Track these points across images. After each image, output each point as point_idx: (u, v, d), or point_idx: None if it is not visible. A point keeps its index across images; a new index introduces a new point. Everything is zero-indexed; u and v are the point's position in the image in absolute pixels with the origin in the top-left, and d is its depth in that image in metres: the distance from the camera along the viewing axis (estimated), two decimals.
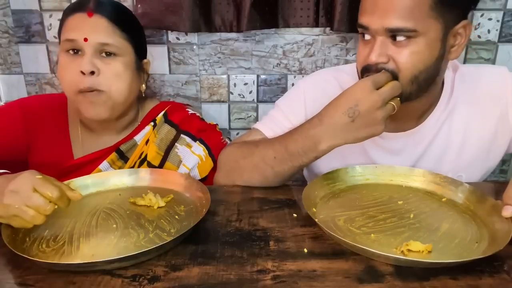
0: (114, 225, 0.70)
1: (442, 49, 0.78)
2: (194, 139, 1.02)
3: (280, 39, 1.24)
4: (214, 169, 0.98)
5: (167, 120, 1.03)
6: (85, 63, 0.86)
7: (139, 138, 1.00)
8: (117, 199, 0.80)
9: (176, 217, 0.73)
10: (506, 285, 0.56)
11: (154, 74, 1.27)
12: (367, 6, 0.78)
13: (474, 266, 0.59)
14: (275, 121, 0.96)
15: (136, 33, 0.96)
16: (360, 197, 0.79)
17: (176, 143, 1.01)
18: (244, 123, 1.32)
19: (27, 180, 0.63)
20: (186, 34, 1.23)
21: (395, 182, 0.85)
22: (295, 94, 0.98)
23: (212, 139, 1.03)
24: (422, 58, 0.76)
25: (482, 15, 1.22)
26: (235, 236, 0.68)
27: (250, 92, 1.29)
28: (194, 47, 1.25)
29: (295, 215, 0.75)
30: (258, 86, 1.29)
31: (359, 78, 0.82)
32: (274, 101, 1.03)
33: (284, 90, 1.28)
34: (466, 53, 1.26)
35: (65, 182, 0.74)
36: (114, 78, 0.90)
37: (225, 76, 1.28)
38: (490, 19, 1.22)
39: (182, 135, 1.02)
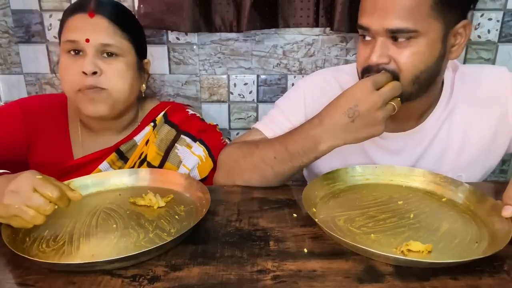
0: (114, 225, 0.70)
1: (442, 49, 0.78)
2: (194, 139, 1.02)
3: (280, 39, 1.24)
4: (214, 170, 0.98)
5: (167, 120, 1.03)
6: (87, 64, 0.86)
7: (139, 138, 1.00)
8: (117, 199, 0.80)
9: (176, 217, 0.73)
10: (506, 285, 0.56)
11: (154, 74, 1.27)
12: (367, 7, 0.78)
13: (474, 266, 0.59)
14: (275, 121, 0.96)
15: (137, 33, 0.96)
16: (360, 197, 0.79)
17: (176, 144, 1.01)
18: (244, 123, 1.32)
19: (27, 180, 0.63)
20: (186, 34, 1.23)
21: (395, 182, 0.85)
22: (295, 94, 0.98)
23: (212, 139, 1.03)
24: (423, 58, 0.76)
25: (482, 15, 1.22)
26: (235, 236, 0.68)
27: (250, 92, 1.29)
28: (194, 47, 1.25)
29: (295, 215, 0.75)
30: (258, 86, 1.29)
31: (359, 79, 0.82)
32: (274, 101, 1.03)
33: (284, 90, 1.28)
34: (466, 53, 1.26)
35: (65, 182, 0.74)
36: (116, 77, 0.90)
37: (225, 76, 1.28)
38: (490, 19, 1.22)
39: (182, 136, 1.02)
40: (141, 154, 1.00)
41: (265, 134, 0.95)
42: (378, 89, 0.74)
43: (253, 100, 1.30)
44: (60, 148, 0.99)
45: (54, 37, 1.24)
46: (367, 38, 0.80)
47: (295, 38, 1.24)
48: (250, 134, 0.98)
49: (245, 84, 1.28)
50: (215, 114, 1.31)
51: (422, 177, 0.84)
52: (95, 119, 0.96)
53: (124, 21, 0.92)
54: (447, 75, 0.89)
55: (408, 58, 0.76)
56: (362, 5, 0.80)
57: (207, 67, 1.27)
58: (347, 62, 1.25)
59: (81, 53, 0.89)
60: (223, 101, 1.30)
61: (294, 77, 1.27)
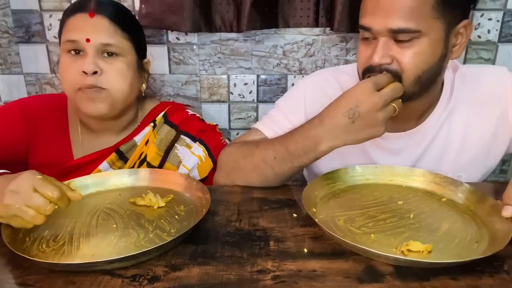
0: (114, 225, 0.70)
1: (444, 49, 0.78)
2: (194, 139, 1.02)
3: (280, 39, 1.24)
4: (213, 170, 0.98)
5: (167, 120, 1.03)
6: (87, 64, 0.86)
7: (138, 138, 1.00)
8: (117, 199, 0.80)
9: (176, 217, 0.73)
10: (506, 285, 0.56)
11: (154, 74, 1.27)
12: (369, 7, 0.77)
13: (474, 266, 0.59)
14: (275, 121, 0.96)
15: (137, 33, 0.96)
16: (360, 197, 0.79)
17: (176, 144, 1.01)
18: (244, 123, 1.32)
19: (28, 180, 0.63)
20: (186, 34, 1.23)
21: (395, 182, 0.85)
22: (295, 94, 0.98)
23: (212, 139, 1.03)
24: (426, 58, 0.76)
25: (482, 15, 1.22)
26: (235, 236, 0.68)
27: (250, 92, 1.29)
28: (194, 47, 1.25)
29: (295, 215, 0.75)
30: (258, 86, 1.29)
31: (360, 79, 0.82)
32: (274, 101, 1.03)
33: (284, 90, 1.28)
34: (466, 53, 1.26)
35: (65, 182, 0.74)
36: (117, 77, 0.90)
37: (225, 76, 1.28)
38: (490, 19, 1.22)
39: (182, 136, 1.02)
40: (141, 154, 1.00)
41: (265, 134, 0.95)
42: (379, 90, 0.74)
43: (253, 100, 1.30)
44: (60, 148, 0.99)
45: (54, 37, 1.24)
46: (369, 38, 0.79)
47: (295, 38, 1.24)
48: (250, 134, 0.98)
49: (245, 84, 1.28)
50: (215, 114, 1.31)
51: (422, 177, 0.84)
52: (95, 119, 0.96)
53: (124, 21, 0.92)
54: (447, 75, 0.89)
55: (411, 58, 0.76)
56: (363, 5, 0.79)
57: (207, 67, 1.27)
58: (347, 62, 1.25)
59: (81, 53, 0.89)
60: (223, 101, 1.30)
61: (294, 77, 1.27)
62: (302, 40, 1.24)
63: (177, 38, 1.24)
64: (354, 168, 0.86)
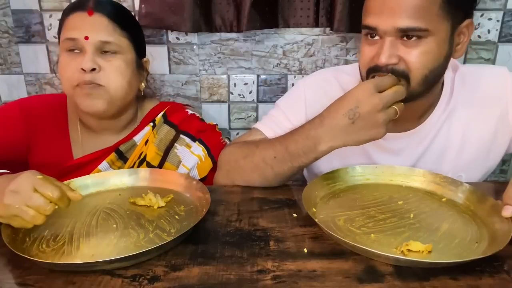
0: (114, 225, 0.70)
1: (449, 48, 0.78)
2: (194, 139, 1.02)
3: (280, 39, 1.24)
4: (213, 170, 0.98)
5: (166, 120, 1.03)
6: (86, 61, 0.86)
7: (138, 138, 1.00)
8: (117, 199, 0.80)
9: (176, 217, 0.73)
10: (506, 285, 0.56)
11: (154, 74, 1.27)
12: (374, 6, 0.77)
13: (474, 266, 0.59)
14: (275, 121, 0.96)
15: (136, 32, 0.96)
16: (360, 197, 0.79)
17: (175, 144, 1.01)
18: (244, 123, 1.32)
19: (28, 180, 0.63)
20: (186, 34, 1.23)
21: (395, 182, 0.85)
22: (295, 94, 0.98)
23: (212, 139, 1.03)
24: (432, 58, 0.76)
25: (482, 15, 1.22)
26: (235, 236, 0.68)
27: (250, 92, 1.29)
28: (194, 47, 1.25)
29: (295, 215, 0.75)
30: (258, 86, 1.29)
31: (363, 79, 0.82)
32: (274, 101, 1.03)
33: (284, 90, 1.28)
34: (466, 53, 1.26)
35: (65, 182, 0.74)
36: (115, 74, 0.90)
37: (225, 76, 1.28)
38: (490, 19, 1.22)
39: (181, 136, 1.02)
40: (141, 154, 1.00)
41: (266, 134, 0.95)
42: (381, 91, 0.74)
43: (253, 100, 1.30)
44: (60, 148, 0.99)
45: (54, 37, 1.24)
46: (374, 38, 0.79)
47: (295, 38, 1.24)
48: (250, 134, 0.98)
49: (245, 84, 1.28)
50: (215, 114, 1.31)
51: (422, 177, 0.84)
52: (93, 117, 0.96)
53: (123, 19, 0.93)
54: (447, 75, 0.89)
55: (418, 57, 0.75)
56: (367, 5, 0.79)
57: (207, 67, 1.27)
58: (347, 62, 1.25)
59: (80, 51, 0.89)
60: (223, 101, 1.30)
61: (294, 77, 1.27)
62: (302, 40, 1.24)
63: (177, 38, 1.24)
64: (354, 168, 0.86)
